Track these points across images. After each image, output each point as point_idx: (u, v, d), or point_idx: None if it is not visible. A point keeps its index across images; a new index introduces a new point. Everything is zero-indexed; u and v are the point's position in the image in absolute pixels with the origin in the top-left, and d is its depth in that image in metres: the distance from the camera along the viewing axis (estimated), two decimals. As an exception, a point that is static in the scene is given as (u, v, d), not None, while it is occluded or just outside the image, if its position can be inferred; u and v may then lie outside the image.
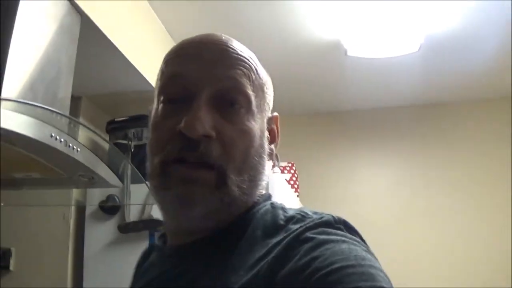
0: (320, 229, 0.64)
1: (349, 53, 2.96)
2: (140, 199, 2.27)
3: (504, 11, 2.64)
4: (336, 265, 0.56)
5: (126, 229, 2.21)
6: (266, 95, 0.80)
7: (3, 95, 1.15)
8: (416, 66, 3.23)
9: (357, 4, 2.53)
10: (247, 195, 0.73)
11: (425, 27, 2.76)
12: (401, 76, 3.41)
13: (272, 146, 0.82)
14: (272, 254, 0.63)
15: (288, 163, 3.57)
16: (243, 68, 0.74)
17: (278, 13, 2.63)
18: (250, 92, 0.73)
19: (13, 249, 2.39)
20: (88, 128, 1.79)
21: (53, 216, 2.29)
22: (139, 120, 2.52)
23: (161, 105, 0.74)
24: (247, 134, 0.72)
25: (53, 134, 1.18)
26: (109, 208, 2.27)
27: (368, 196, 3.96)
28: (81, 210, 2.34)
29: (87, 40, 1.77)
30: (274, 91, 0.84)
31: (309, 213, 0.70)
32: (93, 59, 2.09)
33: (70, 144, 1.26)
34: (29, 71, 1.31)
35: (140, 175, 2.04)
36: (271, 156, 0.80)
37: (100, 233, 2.25)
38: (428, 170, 3.95)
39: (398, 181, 3.97)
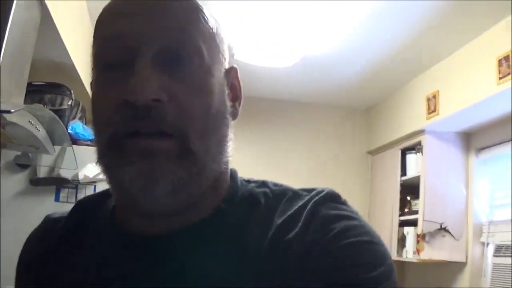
0: (329, 204, 0.64)
1: (235, 57, 3.59)
2: (51, 158, 2.64)
3: (368, 41, 3.40)
4: (352, 239, 0.59)
5: (37, 182, 2.59)
6: (219, 44, 0.68)
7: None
8: (290, 76, 3.96)
9: (248, 17, 3.11)
10: (214, 162, 0.64)
11: (301, 48, 3.45)
12: (274, 78, 4.12)
13: (236, 103, 0.71)
14: (294, 231, 0.61)
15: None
16: (188, 17, 0.63)
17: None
18: (200, 43, 0.63)
19: None
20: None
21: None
22: (55, 87, 2.85)
23: (100, 74, 0.64)
24: (203, 91, 0.62)
25: (30, 121, 1.59)
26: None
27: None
28: (-5, 160, 2.64)
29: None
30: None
31: (296, 189, 0.69)
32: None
33: (37, 127, 1.68)
34: (12, 59, 1.66)
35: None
36: (235, 115, 0.70)
37: (13, 183, 2.60)
38: (282, 156, 4.74)
39: (254, 162, 4.70)
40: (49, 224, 0.77)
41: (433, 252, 3.75)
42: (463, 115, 3.48)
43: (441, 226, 3.75)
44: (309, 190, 0.67)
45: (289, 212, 0.64)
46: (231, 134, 0.68)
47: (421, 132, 3.94)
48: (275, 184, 0.71)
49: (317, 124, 4.88)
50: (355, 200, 4.64)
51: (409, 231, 4.01)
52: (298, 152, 4.79)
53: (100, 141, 0.62)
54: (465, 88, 3.34)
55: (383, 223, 4.35)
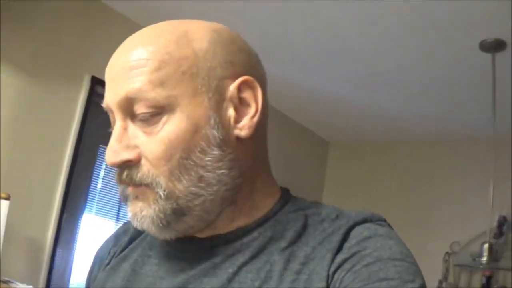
0: (367, 224, 0.65)
1: None
2: None
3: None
4: (384, 256, 0.59)
5: None
6: (202, 75, 0.65)
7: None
8: None
9: None
10: (198, 195, 0.65)
11: None
12: None
13: (246, 118, 0.66)
14: (332, 250, 0.62)
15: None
16: (141, 73, 0.63)
17: None
18: (155, 95, 0.62)
19: None
20: None
21: None
22: None
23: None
24: (167, 140, 0.63)
25: None
26: None
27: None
28: None
29: None
30: None
31: (343, 209, 0.70)
32: None
33: None
34: None
35: None
36: (247, 131, 0.66)
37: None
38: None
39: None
40: (125, 227, 0.83)
41: None
42: None
43: None
44: (355, 211, 0.68)
45: (328, 231, 0.65)
46: (228, 156, 0.66)
47: None
48: (326, 206, 0.72)
49: None
50: None
51: None
52: None
53: None
54: None
55: None
